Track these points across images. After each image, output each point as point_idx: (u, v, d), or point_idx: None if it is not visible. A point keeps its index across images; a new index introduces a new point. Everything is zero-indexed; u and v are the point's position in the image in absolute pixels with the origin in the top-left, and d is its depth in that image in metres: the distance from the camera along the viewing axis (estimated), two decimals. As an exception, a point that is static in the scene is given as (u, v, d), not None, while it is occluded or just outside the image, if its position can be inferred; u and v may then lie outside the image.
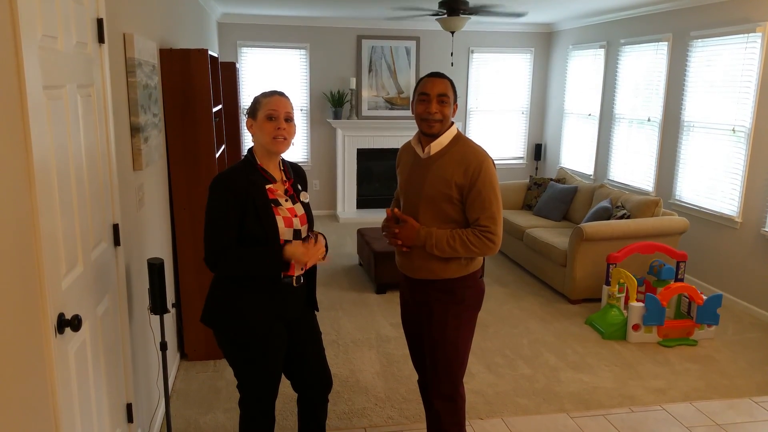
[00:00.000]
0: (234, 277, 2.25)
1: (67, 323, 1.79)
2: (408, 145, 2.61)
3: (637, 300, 4.41)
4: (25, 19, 1.56)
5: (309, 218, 2.37)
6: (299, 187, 2.40)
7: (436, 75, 2.41)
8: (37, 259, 1.65)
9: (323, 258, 2.32)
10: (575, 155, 7.79)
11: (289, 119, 2.25)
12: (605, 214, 5.28)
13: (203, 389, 3.56)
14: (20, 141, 1.56)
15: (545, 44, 8.43)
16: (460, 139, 2.44)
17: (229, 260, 2.19)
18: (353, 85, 7.92)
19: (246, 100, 7.53)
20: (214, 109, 3.86)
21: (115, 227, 2.43)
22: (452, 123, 2.48)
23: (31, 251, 1.62)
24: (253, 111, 2.28)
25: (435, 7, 6.18)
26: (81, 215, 2.03)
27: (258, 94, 2.31)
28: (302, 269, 2.34)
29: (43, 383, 1.67)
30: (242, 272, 2.23)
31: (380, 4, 6.24)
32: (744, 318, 4.83)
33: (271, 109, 2.22)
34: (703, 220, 5.45)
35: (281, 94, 2.27)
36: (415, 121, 2.45)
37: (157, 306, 2.63)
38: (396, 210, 2.50)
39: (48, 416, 1.70)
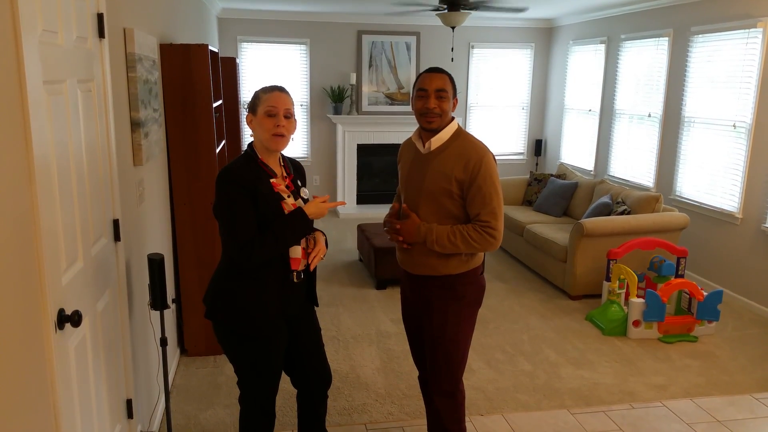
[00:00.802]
0: (235, 273, 2.24)
1: (67, 319, 1.79)
2: (409, 140, 2.60)
3: (638, 296, 4.41)
4: (25, 13, 1.56)
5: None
6: (299, 182, 2.39)
7: (434, 70, 2.40)
8: (38, 255, 1.64)
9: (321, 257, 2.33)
10: (576, 151, 7.78)
11: (288, 116, 2.22)
12: (606, 210, 5.28)
13: (203, 385, 3.56)
14: (20, 136, 1.56)
15: (546, 39, 8.41)
16: (461, 135, 2.43)
17: (263, 245, 2.15)
18: (353, 81, 7.91)
19: (246, 95, 7.52)
20: (215, 105, 3.86)
21: (116, 222, 2.43)
22: (453, 118, 2.47)
23: (32, 247, 1.61)
24: (252, 106, 2.24)
25: (435, 2, 6.16)
26: (81, 210, 2.02)
27: (258, 89, 2.28)
28: (306, 266, 2.33)
29: (43, 379, 1.66)
30: (280, 249, 2.20)
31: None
32: (744, 314, 4.83)
33: (271, 105, 2.19)
34: (704, 216, 5.44)
35: (281, 89, 2.24)
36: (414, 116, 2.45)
37: (158, 301, 2.63)
38: (404, 205, 2.49)
39: (48, 412, 1.69)
